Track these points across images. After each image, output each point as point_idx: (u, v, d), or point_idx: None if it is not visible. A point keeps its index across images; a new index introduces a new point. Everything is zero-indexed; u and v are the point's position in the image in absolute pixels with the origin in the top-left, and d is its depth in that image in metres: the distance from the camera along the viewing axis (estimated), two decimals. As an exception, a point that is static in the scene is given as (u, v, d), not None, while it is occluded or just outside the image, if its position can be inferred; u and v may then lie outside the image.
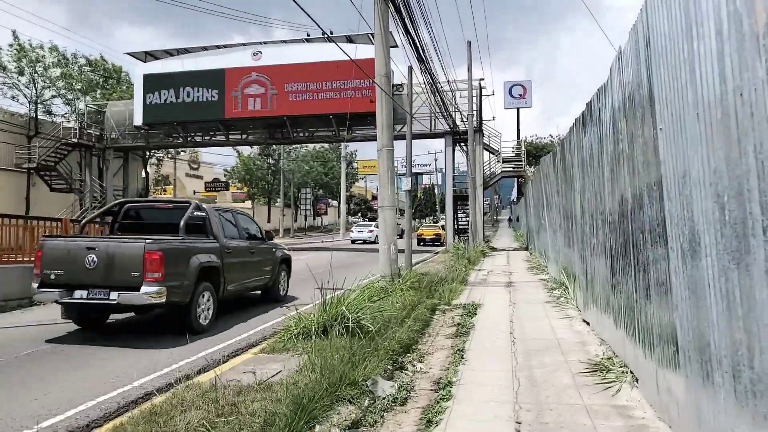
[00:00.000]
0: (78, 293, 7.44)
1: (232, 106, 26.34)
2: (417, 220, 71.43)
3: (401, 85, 26.10)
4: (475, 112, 25.03)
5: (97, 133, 29.24)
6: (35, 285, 7.70)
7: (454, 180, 27.08)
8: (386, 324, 7.16)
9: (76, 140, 27.51)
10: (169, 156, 35.82)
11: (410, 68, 16.05)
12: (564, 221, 10.12)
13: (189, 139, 28.49)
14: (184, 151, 36.54)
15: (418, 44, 13.97)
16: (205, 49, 27.01)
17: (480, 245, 23.41)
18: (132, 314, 9.26)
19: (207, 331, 8.11)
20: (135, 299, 7.29)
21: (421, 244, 34.42)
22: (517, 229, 46.46)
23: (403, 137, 28.47)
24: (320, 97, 25.52)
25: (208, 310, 8.34)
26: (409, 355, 6.26)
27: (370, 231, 34.39)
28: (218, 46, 26.86)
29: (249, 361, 6.24)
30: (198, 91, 26.61)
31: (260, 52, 26.24)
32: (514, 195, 79.81)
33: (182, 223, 8.15)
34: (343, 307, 6.78)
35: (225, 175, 50.53)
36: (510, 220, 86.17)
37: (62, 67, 29.46)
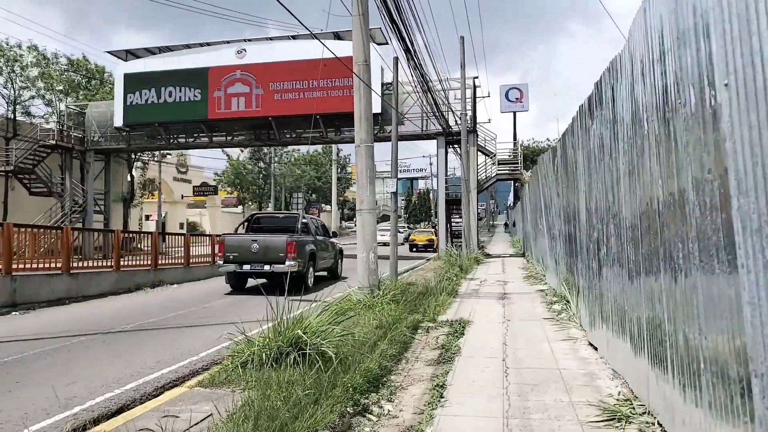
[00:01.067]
0: (246, 266, 12.89)
1: (215, 106, 25.17)
2: (411, 225, 70.32)
3: (390, 84, 25.02)
4: (469, 112, 23.93)
5: (78, 135, 28.03)
6: (220, 262, 13.16)
7: (447, 184, 25.93)
8: (356, 348, 6.00)
9: (54, 142, 26.27)
10: (155, 159, 34.55)
11: (396, 59, 14.98)
12: (565, 226, 8.97)
13: (172, 141, 27.27)
14: (170, 154, 35.29)
15: (405, 34, 12.86)
16: (188, 47, 25.85)
17: (474, 252, 22.27)
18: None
19: (311, 291, 12.43)
20: (282, 269, 12.37)
21: (414, 250, 33.26)
22: (514, 235, 45.35)
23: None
24: (307, 96, 24.38)
25: (311, 277, 13.95)
26: (377, 392, 5.07)
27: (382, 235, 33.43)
28: (202, 44, 25.69)
29: (178, 399, 5.04)
30: (180, 91, 25.45)
31: (245, 50, 25.09)
32: (510, 200, 78.81)
33: (299, 225, 14.11)
34: (299, 331, 5.60)
35: (214, 180, 49.30)
36: (506, 225, 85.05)
37: (42, 67, 28.26)
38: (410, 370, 5.86)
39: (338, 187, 73.60)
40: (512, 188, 68.43)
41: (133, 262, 14.03)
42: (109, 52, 26.79)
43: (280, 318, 5.99)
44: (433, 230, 33.62)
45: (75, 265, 12.23)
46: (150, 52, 26.36)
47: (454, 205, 25.62)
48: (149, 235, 15.68)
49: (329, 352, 5.44)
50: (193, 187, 41.50)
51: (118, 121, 26.29)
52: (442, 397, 4.79)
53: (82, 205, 28.05)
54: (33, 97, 27.83)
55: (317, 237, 14.75)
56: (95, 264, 12.86)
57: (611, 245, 5.11)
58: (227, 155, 48.99)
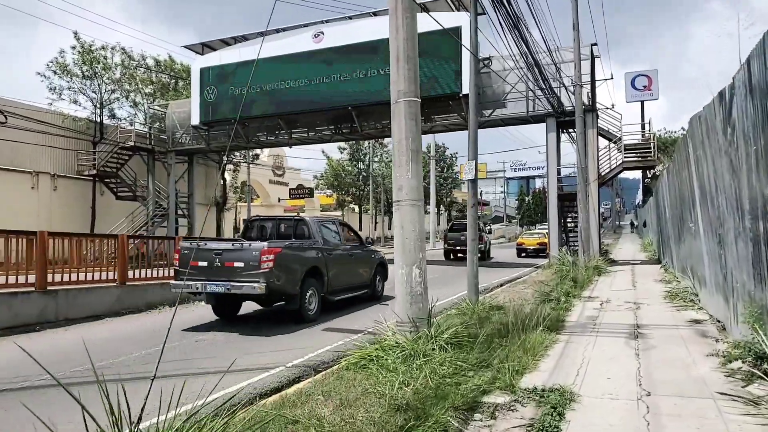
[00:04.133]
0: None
1: (294, 100, 22.81)
2: (525, 227, 65.08)
3: (489, 58, 21.21)
4: (586, 88, 19.51)
5: (159, 136, 27.06)
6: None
7: (560, 176, 21.56)
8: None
9: (132, 143, 25.35)
10: (245, 160, 33.16)
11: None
12: (752, 222, 5.00)
13: (251, 139, 25.32)
14: (258, 155, 33.78)
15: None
16: (262, 34, 23.71)
17: (594, 258, 17.87)
18: None
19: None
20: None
21: (522, 255, 28.97)
22: (644, 236, 39.17)
23: (492, 125, 23.50)
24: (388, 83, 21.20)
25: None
26: None
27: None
28: (277, 30, 23.46)
29: None
30: (255, 84, 23.38)
31: (322, 33, 22.48)
32: (639, 197, 70.59)
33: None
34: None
35: (313, 181, 47.81)
36: (632, 224, 76.33)
37: (129, 69, 27.66)
38: None
39: (445, 187, 70.12)
40: (641, 184, 60.82)
41: (148, 275, 11.35)
42: (185, 47, 25.46)
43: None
44: (545, 233, 28.91)
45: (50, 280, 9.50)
46: (225, 43, 24.59)
47: (569, 201, 21.19)
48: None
49: None
50: (289, 189, 39.99)
51: (195, 120, 24.77)
52: None
53: (166, 208, 27.01)
54: (117, 99, 27.22)
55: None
56: (93, 278, 10.21)
57: None
58: (326, 156, 47.37)
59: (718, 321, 7.50)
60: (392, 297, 9.98)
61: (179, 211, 27.69)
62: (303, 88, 22.71)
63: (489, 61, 21.34)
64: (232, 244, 9.36)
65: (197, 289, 9.00)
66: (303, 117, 23.96)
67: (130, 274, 10.96)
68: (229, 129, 25.22)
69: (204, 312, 10.48)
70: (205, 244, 9.46)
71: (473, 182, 9.71)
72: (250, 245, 9.12)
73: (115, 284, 10.42)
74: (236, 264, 8.86)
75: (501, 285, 15.29)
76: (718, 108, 6.12)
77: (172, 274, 10.97)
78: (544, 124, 20.93)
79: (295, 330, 8.91)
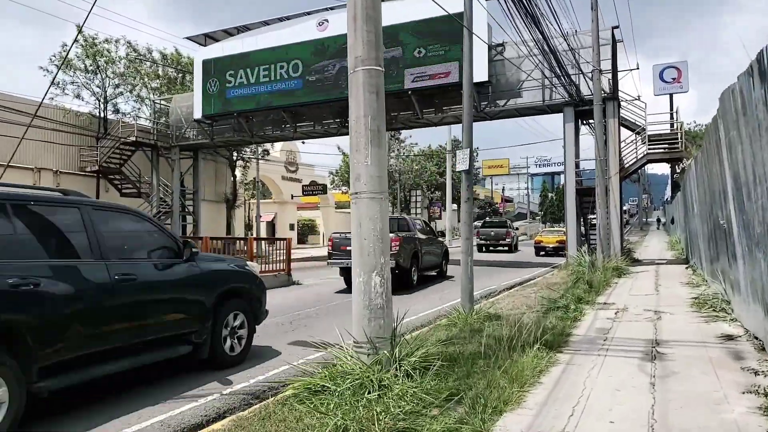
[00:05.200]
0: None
1: (299, 92, 21.78)
2: (547, 225, 63.28)
3: (503, 44, 19.89)
4: (606, 77, 18.09)
5: (162, 131, 26.29)
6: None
7: (579, 168, 20.12)
8: None
9: (134, 138, 24.63)
10: (253, 155, 32.21)
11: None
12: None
13: (255, 133, 24.37)
14: (264, 148, 32.78)
15: None
16: (266, 23, 22.74)
17: (615, 258, 16.48)
18: None
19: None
20: None
21: (541, 254, 27.56)
22: (672, 234, 37.30)
23: (507, 115, 22.12)
24: (396, 72, 20.09)
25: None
26: None
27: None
28: (281, 18, 22.43)
29: None
30: (257, 76, 22.44)
31: (326, 21, 21.38)
32: (667, 193, 68.03)
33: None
34: None
35: (329, 177, 46.82)
36: (659, 220, 73.60)
37: (134, 63, 26.96)
38: None
39: (451, 180, 68.54)
40: (670, 179, 58.49)
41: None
42: (187, 38, 24.63)
43: None
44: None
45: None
46: (228, 33, 23.67)
47: (589, 196, 19.76)
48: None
49: None
50: (302, 186, 39.04)
51: (197, 114, 23.92)
52: None
53: (170, 205, 26.28)
54: (121, 94, 26.51)
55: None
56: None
57: None
58: (342, 151, 46.37)
59: (756, 338, 6.21)
60: (452, 276, 16.54)
61: (185, 208, 26.95)
62: (307, 79, 21.68)
63: (502, 48, 20.04)
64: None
65: (347, 265, 12.14)
66: (308, 110, 22.95)
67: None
68: (234, 123, 24.38)
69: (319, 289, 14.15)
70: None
71: (467, 174, 8.48)
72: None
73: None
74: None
75: (511, 287, 14.07)
76: (757, 76, 4.84)
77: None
78: (561, 115, 19.53)
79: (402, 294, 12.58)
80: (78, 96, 25.39)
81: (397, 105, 21.32)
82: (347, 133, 20.10)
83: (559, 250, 25.81)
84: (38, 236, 4.74)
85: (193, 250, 6.10)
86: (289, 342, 7.85)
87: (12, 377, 4.06)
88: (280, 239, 15.03)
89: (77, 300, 4.66)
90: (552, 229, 32.70)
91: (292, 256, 15.25)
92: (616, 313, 8.69)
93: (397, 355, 4.89)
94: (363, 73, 5.06)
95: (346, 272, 13.65)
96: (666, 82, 37.08)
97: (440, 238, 17.91)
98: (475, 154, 61.03)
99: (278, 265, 14.22)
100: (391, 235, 10.73)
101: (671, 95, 37.13)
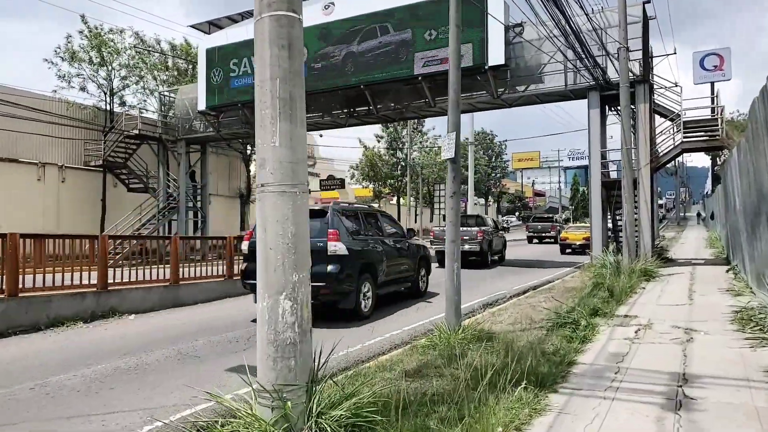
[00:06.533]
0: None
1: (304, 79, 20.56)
2: (578, 221, 60.88)
3: (521, 24, 18.24)
4: (636, 54, 16.32)
5: (168, 124, 25.39)
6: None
7: (605, 159, 18.31)
8: None
9: (137, 131, 23.76)
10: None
11: None
12: None
13: (261, 124, 23.17)
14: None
15: None
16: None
17: (645, 258, 14.78)
18: None
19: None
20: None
21: (567, 251, 25.78)
22: (712, 230, 34.91)
23: (526, 102, 20.40)
24: (406, 57, 18.65)
25: None
26: None
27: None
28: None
29: None
30: (265, 63, 21.29)
31: (332, 4, 20.02)
32: (707, 187, 64.66)
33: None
34: None
35: (349, 171, 45.55)
36: (698, 215, 69.96)
37: (142, 54, 26.12)
38: None
39: (493, 177, 66.62)
40: (710, 172, 55.41)
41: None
42: (192, 26, 23.59)
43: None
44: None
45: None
46: (232, 20, 22.54)
47: (618, 189, 18.00)
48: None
49: None
50: (320, 180, 37.88)
51: (201, 105, 22.86)
52: None
53: (177, 199, 25.41)
54: (127, 86, 25.68)
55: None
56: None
57: None
58: (363, 145, 45.09)
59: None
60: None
61: (193, 203, 26.08)
62: (312, 66, 20.40)
63: (521, 29, 18.39)
64: (464, 229, 18.23)
65: None
66: (314, 99, 21.65)
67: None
68: (241, 115, 23.28)
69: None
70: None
71: (453, 163, 7.04)
72: (472, 229, 19.80)
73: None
74: (465, 237, 18.43)
75: (524, 292, 12.57)
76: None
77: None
78: (586, 101, 17.79)
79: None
80: (83, 89, 24.61)
81: (409, 93, 19.88)
82: (356, 124, 18.57)
83: (586, 247, 23.97)
84: (371, 227, 10.70)
85: (410, 234, 12.71)
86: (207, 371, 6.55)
87: (373, 286, 9.80)
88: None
89: (386, 255, 10.46)
90: (579, 225, 30.73)
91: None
92: (636, 331, 7.16)
93: (314, 409, 3.56)
94: (269, 22, 3.73)
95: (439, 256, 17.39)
96: (707, 70, 34.87)
97: (500, 232, 23.22)
98: (503, 147, 58.67)
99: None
100: (474, 229, 19.87)
101: (712, 84, 34.84)
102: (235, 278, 12.24)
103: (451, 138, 6.85)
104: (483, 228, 20.19)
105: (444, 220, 13.52)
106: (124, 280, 10.16)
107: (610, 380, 5.06)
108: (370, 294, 9.73)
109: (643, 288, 11.43)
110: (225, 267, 12.62)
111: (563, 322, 7.36)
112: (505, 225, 55.76)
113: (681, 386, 4.83)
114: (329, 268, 8.88)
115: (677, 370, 5.35)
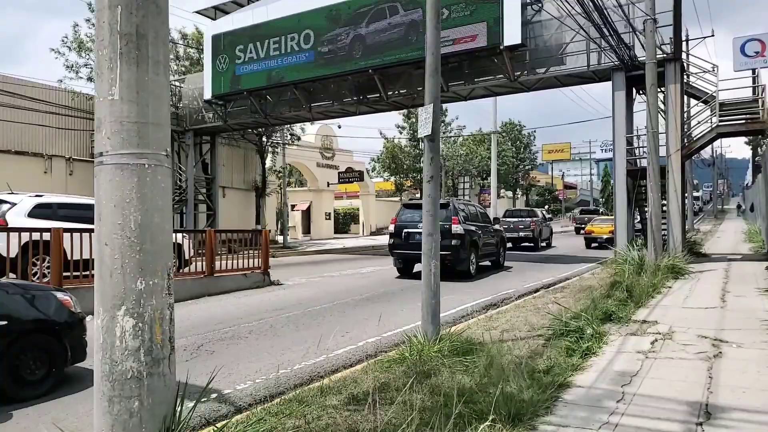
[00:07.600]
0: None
1: (311, 65, 19.57)
2: (606, 215, 58.58)
3: (540, 1, 16.89)
4: (667, 30, 14.87)
5: (174, 113, 24.70)
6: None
7: (631, 146, 16.84)
8: None
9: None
10: (280, 139, 30.25)
11: None
12: None
13: (269, 114, 22.26)
14: (291, 132, 30.70)
15: None
16: (275, -10, 20.61)
17: (675, 253, 13.41)
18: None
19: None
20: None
21: (593, 245, 24.31)
22: (751, 222, 32.83)
23: (546, 85, 19.01)
24: (416, 38, 17.52)
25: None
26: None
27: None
28: (293, -16, 20.25)
29: None
30: (268, 51, 20.34)
31: (340, -17, 19.01)
32: (748, 178, 61.60)
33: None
34: None
35: (370, 163, 44.52)
36: (739, 206, 66.69)
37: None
38: None
39: (522, 169, 64.59)
40: (751, 163, 52.60)
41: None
42: (197, 12, 22.79)
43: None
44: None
45: None
46: (238, 4, 21.61)
47: (645, 179, 16.57)
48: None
49: None
50: (338, 173, 36.96)
51: (207, 94, 22.10)
52: None
53: (185, 191, 24.77)
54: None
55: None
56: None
57: None
58: (384, 137, 43.94)
59: None
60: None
61: (204, 196, 25.45)
62: (319, 50, 19.41)
63: (540, 5, 17.04)
64: (519, 219, 24.27)
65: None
66: (323, 86, 20.69)
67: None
68: (250, 104, 22.45)
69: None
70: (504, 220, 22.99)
71: (431, 141, 5.94)
72: (525, 219, 24.12)
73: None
74: (520, 226, 23.60)
75: (536, 290, 11.36)
76: None
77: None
78: (610, 83, 16.37)
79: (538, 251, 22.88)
80: (91, 79, 24.08)
81: (420, 78, 18.62)
82: (367, 111, 17.32)
83: (612, 241, 22.54)
84: (474, 216, 14.90)
85: (495, 221, 17.60)
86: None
87: (476, 257, 14.05)
88: (253, 231, 12.77)
89: (483, 235, 14.65)
90: (604, 217, 29.08)
91: (320, 248, 13.97)
92: (653, 342, 5.96)
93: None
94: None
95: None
96: (748, 56, 32.72)
97: (548, 222, 27.47)
98: (532, 138, 56.82)
99: (253, 261, 11.99)
100: (528, 219, 24.49)
101: (754, 70, 32.74)
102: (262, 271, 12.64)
103: (427, 111, 5.76)
104: (534, 219, 24.35)
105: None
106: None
107: (608, 412, 3.93)
108: (474, 261, 13.79)
109: (669, 287, 10.12)
110: (260, 260, 12.46)
111: (566, 330, 6.20)
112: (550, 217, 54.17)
113: (701, 423, 3.67)
114: (453, 242, 12.68)
115: (698, 398, 4.18)
